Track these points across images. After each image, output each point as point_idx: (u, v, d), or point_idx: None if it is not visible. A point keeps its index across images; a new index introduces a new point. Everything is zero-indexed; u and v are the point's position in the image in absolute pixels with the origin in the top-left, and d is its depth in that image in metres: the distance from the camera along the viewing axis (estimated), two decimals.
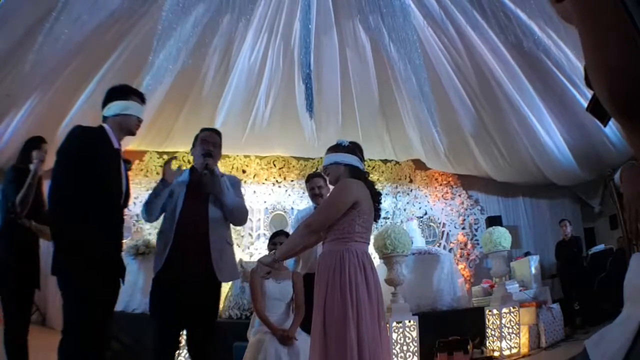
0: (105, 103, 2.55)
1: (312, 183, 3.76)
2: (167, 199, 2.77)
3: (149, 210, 2.77)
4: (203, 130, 3.01)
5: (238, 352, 3.64)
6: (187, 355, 2.84)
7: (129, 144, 6.41)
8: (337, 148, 2.58)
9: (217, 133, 2.99)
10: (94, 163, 2.37)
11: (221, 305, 5.78)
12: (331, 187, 2.78)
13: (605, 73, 0.50)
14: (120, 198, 2.53)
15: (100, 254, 2.33)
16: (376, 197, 2.51)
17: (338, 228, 2.36)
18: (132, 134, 2.62)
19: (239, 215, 2.90)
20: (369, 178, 2.61)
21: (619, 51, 0.49)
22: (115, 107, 2.52)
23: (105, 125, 2.50)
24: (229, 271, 2.80)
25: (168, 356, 2.68)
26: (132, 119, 2.56)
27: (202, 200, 2.77)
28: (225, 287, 6.15)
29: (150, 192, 2.83)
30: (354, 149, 2.57)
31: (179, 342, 2.80)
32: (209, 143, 2.88)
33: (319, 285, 2.35)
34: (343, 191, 2.41)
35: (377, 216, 2.54)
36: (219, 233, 2.76)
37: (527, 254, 7.35)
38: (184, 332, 2.84)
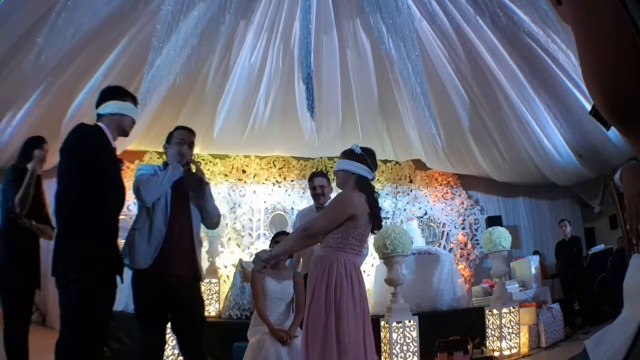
0: (101, 101, 2.57)
1: (315, 182, 3.75)
2: None
3: (157, 193, 2.66)
4: (178, 128, 2.94)
5: (238, 352, 3.64)
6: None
7: (129, 144, 6.41)
8: (349, 154, 2.62)
9: (192, 133, 2.95)
10: (98, 162, 2.39)
11: (221, 305, 5.81)
12: (336, 189, 2.83)
13: (600, 76, 0.49)
14: (122, 197, 2.58)
15: (102, 254, 2.35)
16: (376, 213, 2.54)
17: (332, 237, 2.44)
18: (126, 134, 2.65)
19: (217, 220, 2.95)
20: (374, 190, 2.63)
21: (616, 54, 0.48)
22: (113, 106, 2.55)
23: (102, 124, 2.52)
24: (202, 271, 2.89)
25: (160, 353, 2.69)
26: (128, 119, 2.60)
27: (186, 200, 2.80)
28: (225, 287, 6.16)
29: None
30: (365, 157, 2.60)
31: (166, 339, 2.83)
32: (185, 143, 2.84)
33: (308, 289, 2.46)
34: (342, 204, 2.48)
35: (375, 228, 2.59)
36: (198, 233, 2.83)
37: (535, 252, 7.35)
38: (174, 337, 2.86)
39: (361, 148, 2.63)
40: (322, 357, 2.23)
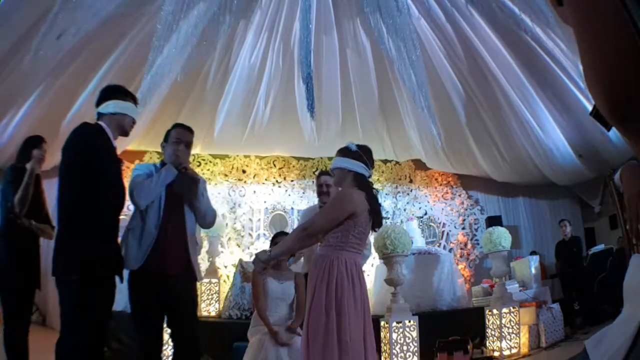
0: (101, 100, 2.56)
1: (321, 180, 3.77)
2: None
3: (151, 196, 2.62)
4: (176, 126, 2.86)
5: (238, 352, 3.65)
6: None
7: (129, 144, 6.41)
8: (345, 152, 2.60)
9: (190, 131, 2.86)
10: (99, 163, 2.39)
11: (221, 305, 5.81)
12: (334, 188, 2.80)
13: (601, 76, 0.49)
14: (122, 198, 2.58)
15: (102, 254, 2.35)
16: (376, 210, 2.53)
17: (333, 236, 2.41)
18: (126, 134, 2.65)
19: (210, 219, 2.86)
20: (373, 187, 2.61)
21: (617, 55, 0.48)
22: (114, 105, 2.54)
23: (102, 124, 2.51)
24: (199, 270, 2.83)
25: (157, 353, 2.67)
26: (128, 119, 2.60)
27: (180, 201, 2.74)
28: (225, 287, 6.17)
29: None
30: (362, 155, 2.58)
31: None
32: (181, 142, 2.76)
33: (309, 289, 2.44)
34: (342, 202, 2.46)
35: (376, 226, 2.57)
36: (193, 234, 2.78)
37: (532, 252, 7.35)
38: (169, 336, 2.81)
39: (357, 145, 2.61)
40: (323, 357, 2.22)
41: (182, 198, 2.73)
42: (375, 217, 2.53)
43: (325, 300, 2.30)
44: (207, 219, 2.83)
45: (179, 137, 2.77)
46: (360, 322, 2.36)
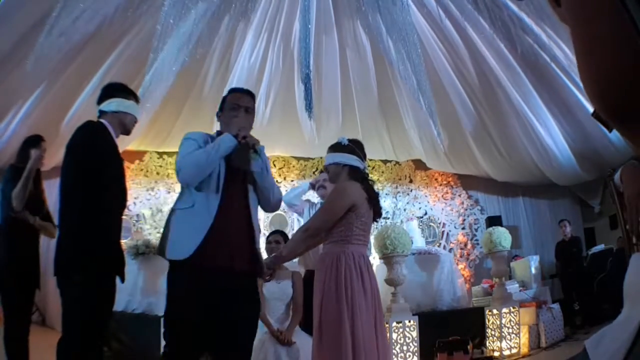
0: (104, 98, 2.53)
1: (317, 178, 3.92)
2: None
3: (204, 172, 2.13)
4: (232, 91, 2.45)
5: None
6: None
7: (128, 144, 6.41)
8: (337, 147, 2.60)
9: (250, 95, 2.39)
10: (103, 162, 2.38)
11: None
12: (331, 185, 2.79)
13: (597, 79, 0.49)
14: (125, 197, 2.57)
15: (105, 254, 2.34)
16: (374, 198, 2.52)
17: (336, 231, 2.40)
18: (128, 133, 2.61)
19: (277, 200, 2.39)
20: (369, 178, 2.62)
21: (615, 57, 0.48)
22: (117, 103, 2.51)
23: (104, 121, 2.49)
24: (262, 263, 2.32)
25: None
26: (131, 117, 2.57)
27: (242, 175, 2.26)
28: None
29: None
30: (354, 148, 2.58)
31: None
32: (240, 108, 2.30)
33: (317, 286, 2.40)
34: (339, 195, 2.45)
35: (377, 215, 2.56)
36: (257, 218, 2.30)
37: (514, 257, 7.35)
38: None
39: (349, 140, 2.61)
40: (336, 350, 2.20)
41: (245, 174, 2.26)
42: (375, 205, 2.51)
43: (336, 298, 2.28)
44: (273, 199, 2.34)
45: (237, 103, 2.33)
46: (371, 315, 2.33)
